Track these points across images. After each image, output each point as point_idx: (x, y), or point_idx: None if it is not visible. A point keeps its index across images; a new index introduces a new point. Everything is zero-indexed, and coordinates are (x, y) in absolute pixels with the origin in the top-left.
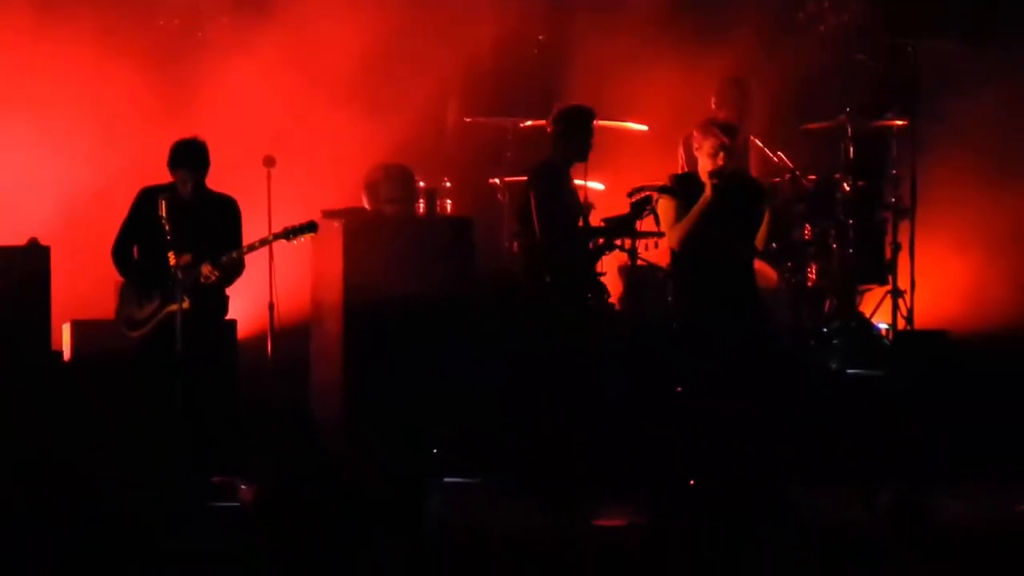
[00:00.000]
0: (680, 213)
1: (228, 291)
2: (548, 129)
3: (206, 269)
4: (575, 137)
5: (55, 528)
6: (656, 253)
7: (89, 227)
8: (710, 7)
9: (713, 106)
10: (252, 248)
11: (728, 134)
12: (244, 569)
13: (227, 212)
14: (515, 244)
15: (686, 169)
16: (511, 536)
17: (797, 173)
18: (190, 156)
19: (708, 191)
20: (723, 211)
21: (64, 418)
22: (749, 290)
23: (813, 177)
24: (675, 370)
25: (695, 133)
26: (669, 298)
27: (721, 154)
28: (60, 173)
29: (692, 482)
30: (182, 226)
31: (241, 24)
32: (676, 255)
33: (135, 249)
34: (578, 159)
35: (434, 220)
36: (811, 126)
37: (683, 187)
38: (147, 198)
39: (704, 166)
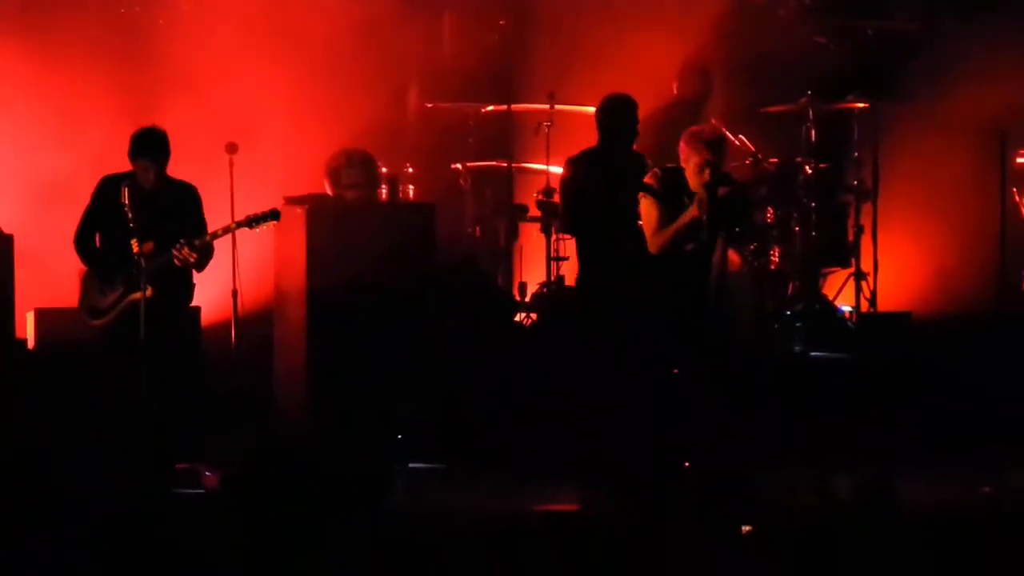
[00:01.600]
0: (662, 216)
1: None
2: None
3: (185, 251)
4: (614, 125)
5: (17, 516)
6: None
7: (52, 215)
8: None
9: (675, 91)
10: (215, 236)
11: (715, 150)
12: (209, 555)
13: (188, 199)
14: (478, 229)
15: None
16: (474, 521)
17: (759, 156)
18: (151, 145)
19: (694, 211)
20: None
21: (28, 407)
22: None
23: (775, 160)
24: (641, 352)
25: (682, 144)
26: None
27: (707, 171)
28: (22, 161)
29: (687, 464)
30: (144, 214)
31: (202, 11)
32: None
33: (97, 238)
34: (623, 146)
35: (396, 206)
36: (772, 109)
37: (668, 184)
38: (108, 186)
39: (691, 182)
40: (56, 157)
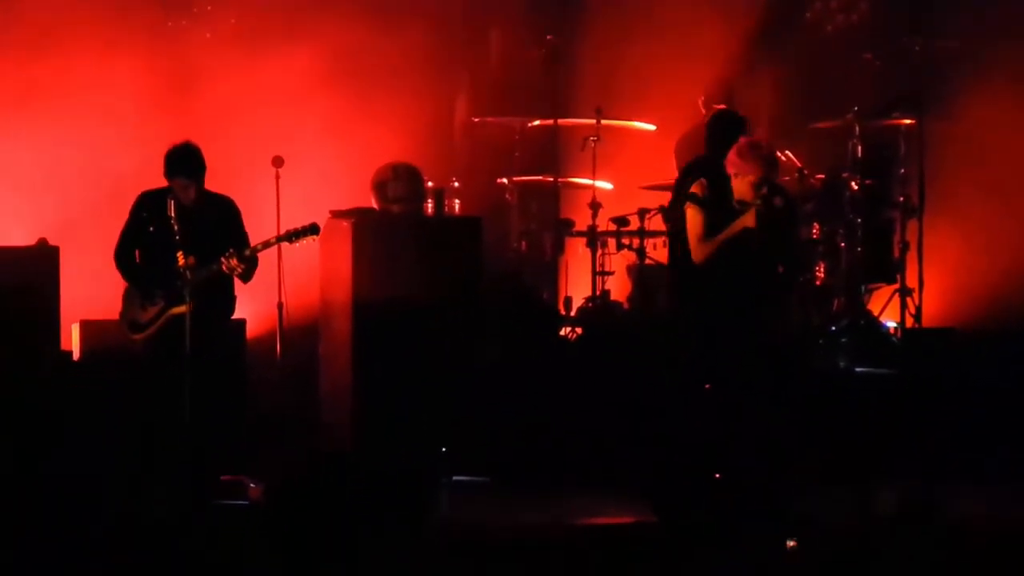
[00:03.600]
0: (707, 225)
1: (237, 290)
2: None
3: (234, 260)
4: (728, 138)
5: (62, 526)
6: (663, 252)
7: (98, 227)
8: (717, 7)
9: (702, 111)
10: (255, 250)
11: (772, 166)
12: (251, 567)
13: (227, 213)
14: (523, 243)
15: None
16: (518, 534)
17: (805, 172)
18: (187, 163)
19: (746, 221)
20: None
21: (73, 417)
22: (766, 289)
23: (821, 176)
24: (686, 368)
25: (734, 158)
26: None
27: (764, 188)
28: (69, 174)
29: (717, 476)
30: (186, 228)
31: (249, 25)
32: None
33: (136, 253)
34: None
35: (442, 220)
36: (819, 125)
37: (714, 193)
38: (147, 202)
39: (742, 194)
40: (103, 169)
